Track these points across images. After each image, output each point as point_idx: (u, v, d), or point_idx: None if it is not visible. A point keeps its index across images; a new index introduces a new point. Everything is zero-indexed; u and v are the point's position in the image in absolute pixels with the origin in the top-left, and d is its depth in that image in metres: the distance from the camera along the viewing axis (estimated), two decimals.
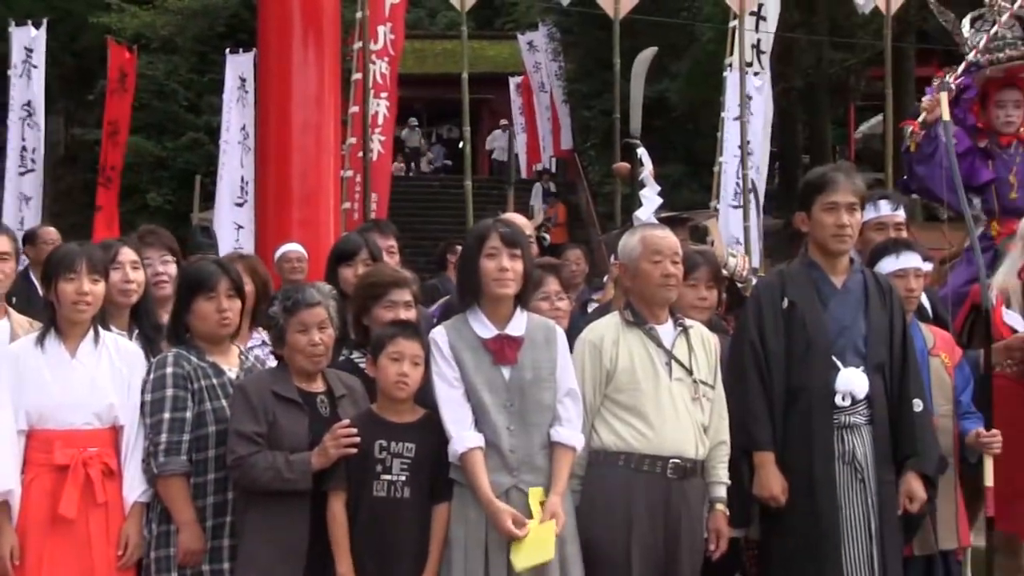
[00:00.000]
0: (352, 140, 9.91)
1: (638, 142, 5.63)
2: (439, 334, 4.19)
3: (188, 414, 4.16)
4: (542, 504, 4.05)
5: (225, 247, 10.63)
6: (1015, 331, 5.06)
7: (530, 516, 4.01)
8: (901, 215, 5.59)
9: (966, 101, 6.14)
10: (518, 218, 5.40)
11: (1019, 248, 5.25)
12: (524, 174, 26.33)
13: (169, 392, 4.16)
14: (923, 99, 6.22)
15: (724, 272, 5.58)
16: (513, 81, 27.04)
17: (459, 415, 4.07)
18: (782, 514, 4.47)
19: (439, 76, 28.44)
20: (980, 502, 4.87)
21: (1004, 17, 6.20)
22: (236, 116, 13.56)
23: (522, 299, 4.24)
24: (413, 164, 29.94)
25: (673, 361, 4.35)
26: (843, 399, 4.48)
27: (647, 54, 5.97)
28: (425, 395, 4.17)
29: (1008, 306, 5.13)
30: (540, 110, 25.93)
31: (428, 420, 4.14)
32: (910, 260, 5.00)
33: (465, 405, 4.09)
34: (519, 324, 4.20)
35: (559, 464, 4.13)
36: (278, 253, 7.72)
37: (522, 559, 3.95)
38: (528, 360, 4.16)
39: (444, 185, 26.17)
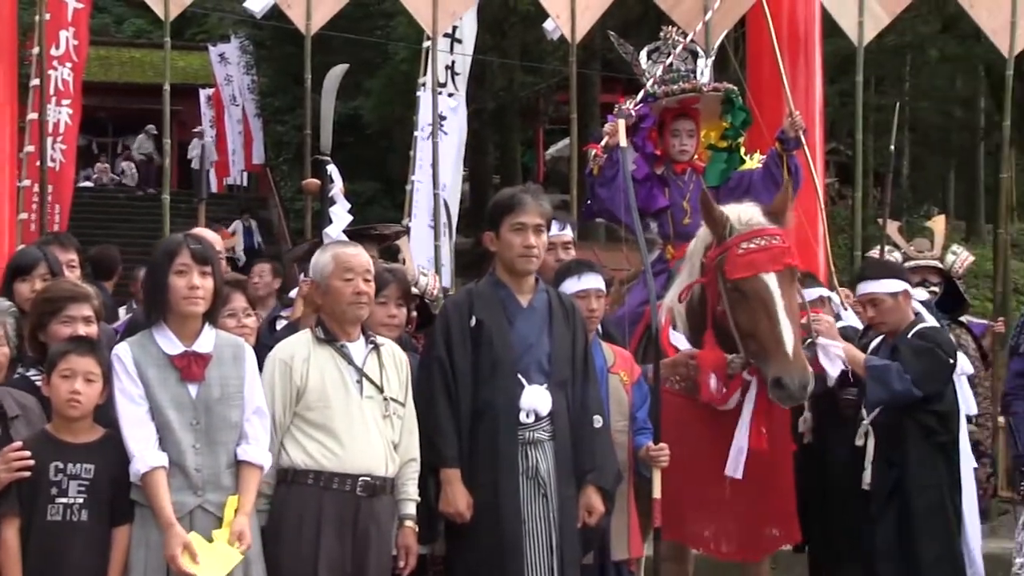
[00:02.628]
0: (30, 148, 9.45)
1: (328, 158, 5.61)
2: (123, 350, 4.05)
3: None
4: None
5: None
6: (678, 349, 5.29)
7: (219, 528, 3.95)
8: (569, 234, 5.78)
9: (644, 129, 6.39)
10: (209, 233, 5.29)
11: (685, 271, 5.49)
12: (215, 188, 25.79)
13: None
14: (606, 125, 6.43)
15: (414, 290, 5.62)
16: (204, 93, 26.48)
17: (142, 433, 3.95)
18: (467, 529, 4.52)
19: (126, 85, 27.54)
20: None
21: (678, 50, 6.50)
22: None
23: (211, 316, 4.16)
24: (123, 171, 28.79)
25: (364, 379, 4.36)
26: (527, 416, 4.57)
27: (338, 70, 5.95)
28: (108, 413, 4.03)
29: (675, 327, 5.37)
30: (231, 123, 25.50)
31: (109, 439, 4.00)
32: (592, 281, 5.17)
33: (149, 423, 3.97)
34: (207, 341, 4.12)
35: (246, 483, 4.07)
36: None
37: (203, 570, 3.87)
38: (216, 377, 4.08)
39: (131, 197, 25.35)
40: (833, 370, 5.41)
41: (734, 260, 5.04)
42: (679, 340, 5.32)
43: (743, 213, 5.19)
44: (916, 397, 5.32)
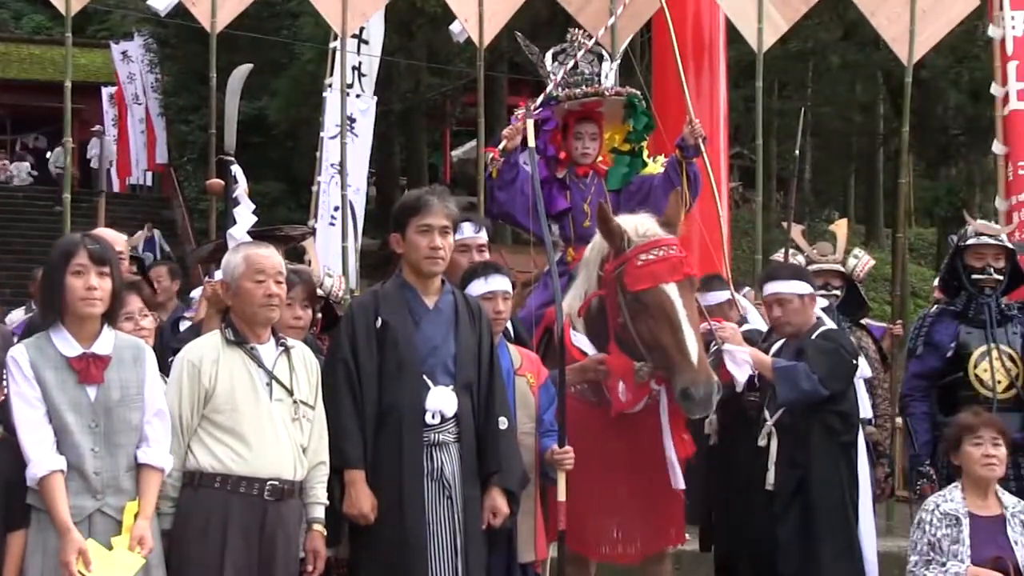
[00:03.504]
0: None
1: (233, 159, 5.54)
2: (19, 352, 3.97)
3: None
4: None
5: None
6: (585, 353, 5.31)
7: (119, 534, 3.89)
8: (483, 237, 5.78)
9: (546, 132, 6.41)
10: (108, 233, 5.20)
11: (581, 278, 5.51)
12: (117, 188, 25.39)
13: None
14: (505, 129, 6.45)
15: (320, 292, 5.58)
16: (106, 91, 26.05)
17: (39, 437, 3.87)
18: (371, 531, 4.51)
19: (25, 82, 26.99)
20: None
21: (582, 52, 6.53)
22: None
23: (110, 317, 4.09)
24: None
25: (274, 382, 4.31)
26: (433, 417, 4.57)
27: (243, 70, 5.88)
28: (4, 417, 3.94)
29: (575, 329, 5.39)
30: (134, 122, 25.13)
31: (4, 443, 3.91)
32: (498, 283, 5.16)
33: (46, 426, 3.89)
34: (106, 342, 4.04)
35: (146, 487, 4.01)
36: None
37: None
38: (115, 379, 4.01)
39: (29, 197, 24.86)
40: (741, 376, 5.46)
41: (634, 272, 5.07)
42: (583, 342, 5.34)
43: (639, 224, 5.22)
44: (823, 396, 5.40)
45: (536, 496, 5.07)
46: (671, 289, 5.05)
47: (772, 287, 5.74)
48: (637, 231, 5.18)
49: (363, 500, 4.48)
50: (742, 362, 5.46)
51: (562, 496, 4.95)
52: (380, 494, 4.50)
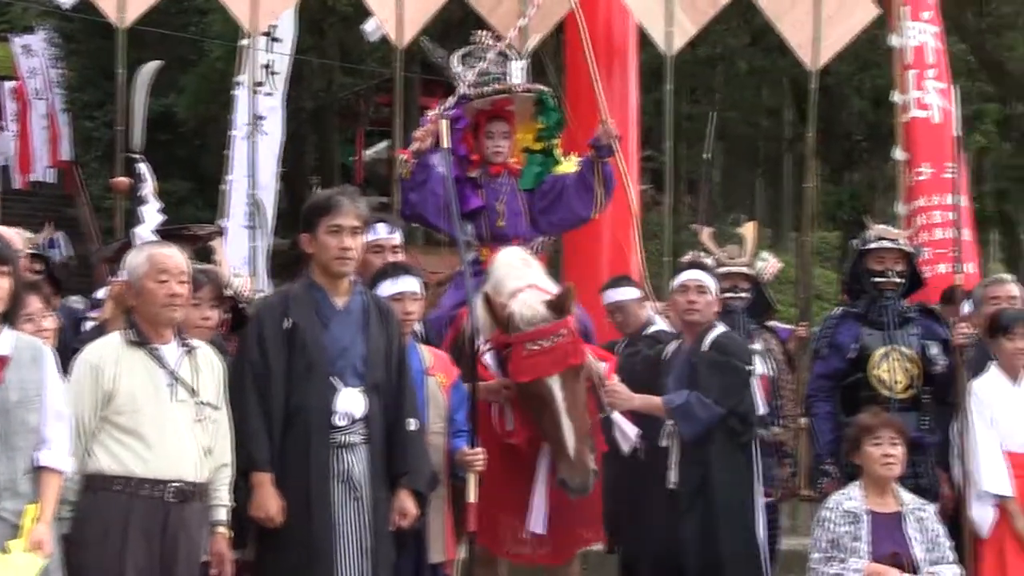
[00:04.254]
0: None
1: (139, 156, 5.49)
2: None
3: None
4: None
5: None
6: (489, 369, 5.31)
7: (17, 538, 3.82)
8: (397, 238, 5.78)
9: (458, 131, 6.41)
10: (6, 231, 5.10)
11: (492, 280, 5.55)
12: (19, 184, 24.90)
13: None
14: (416, 130, 6.45)
15: (228, 292, 5.54)
16: (7, 86, 25.53)
17: None
18: (278, 534, 4.49)
19: None
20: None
21: (490, 54, 6.55)
22: None
23: (9, 317, 4.02)
24: None
25: (177, 382, 4.28)
26: (341, 419, 4.57)
27: (151, 67, 5.83)
28: None
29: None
30: (36, 118, 24.63)
31: None
32: (407, 284, 5.16)
33: None
34: (5, 343, 3.98)
35: (45, 490, 3.95)
36: None
37: None
38: (14, 380, 3.94)
39: None
40: (625, 446, 5.54)
41: (518, 362, 5.10)
42: (486, 356, 5.35)
43: (526, 309, 5.17)
44: (722, 415, 5.50)
45: (447, 496, 5.09)
46: (554, 382, 5.08)
47: (611, 295, 6.42)
48: (523, 317, 5.14)
49: (270, 502, 4.46)
50: (627, 432, 5.52)
51: (472, 497, 4.97)
52: (287, 496, 4.48)
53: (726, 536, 5.52)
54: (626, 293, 6.60)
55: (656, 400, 5.59)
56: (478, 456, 4.95)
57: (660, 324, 6.56)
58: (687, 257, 7.23)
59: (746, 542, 5.59)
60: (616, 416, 5.50)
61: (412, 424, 4.73)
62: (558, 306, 5.19)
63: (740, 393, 5.65)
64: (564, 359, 5.10)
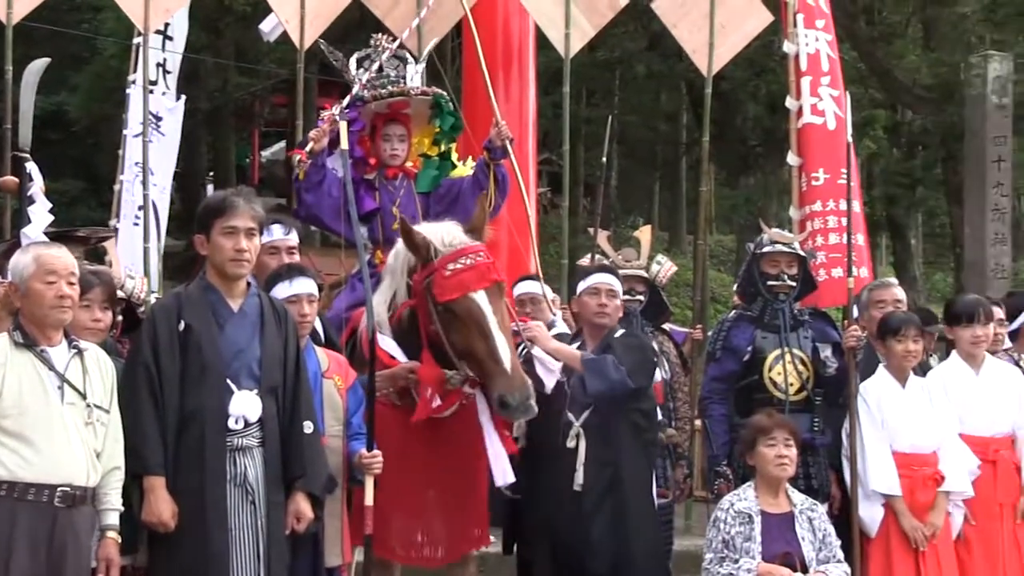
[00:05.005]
0: None
1: (27, 155, 5.37)
2: None
3: None
4: None
5: None
6: (392, 356, 5.31)
7: None
8: (293, 239, 5.74)
9: (354, 133, 6.37)
10: None
11: (387, 281, 5.52)
12: None
13: None
14: (311, 131, 6.40)
15: (121, 294, 5.45)
16: None
17: None
18: (171, 539, 4.42)
19: None
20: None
21: (386, 56, 6.53)
22: None
23: None
24: None
25: (66, 385, 4.20)
26: (236, 422, 4.52)
27: (39, 64, 5.70)
28: None
29: (382, 332, 5.39)
30: None
31: None
32: (303, 286, 5.13)
33: None
34: None
35: None
36: None
37: None
38: None
39: None
40: (548, 381, 5.54)
41: (442, 282, 5.09)
42: (390, 346, 5.34)
43: (445, 234, 5.24)
44: (630, 388, 5.53)
45: (343, 499, 5.07)
46: (480, 297, 5.08)
47: (525, 286, 6.49)
48: (443, 240, 5.20)
49: (162, 507, 4.39)
50: (549, 369, 5.55)
51: (370, 500, 4.95)
52: (181, 501, 4.42)
53: (637, 536, 5.56)
54: (526, 286, 6.67)
55: (572, 350, 5.65)
56: (376, 459, 4.94)
57: (561, 326, 6.59)
58: (584, 260, 7.29)
59: (656, 541, 5.66)
60: (537, 351, 5.53)
61: (308, 427, 4.70)
62: (474, 230, 5.29)
63: (648, 377, 5.72)
64: (488, 274, 5.14)
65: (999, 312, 6.90)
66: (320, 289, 5.31)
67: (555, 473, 5.66)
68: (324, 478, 4.78)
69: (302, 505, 4.64)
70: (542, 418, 5.62)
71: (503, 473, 5.23)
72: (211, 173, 22.68)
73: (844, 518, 5.98)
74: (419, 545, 5.34)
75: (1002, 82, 10.57)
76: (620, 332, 5.79)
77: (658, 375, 6.41)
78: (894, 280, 7.14)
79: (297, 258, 5.65)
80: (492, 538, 5.72)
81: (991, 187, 10.44)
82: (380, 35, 6.73)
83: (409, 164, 6.58)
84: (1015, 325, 6.99)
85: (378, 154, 6.49)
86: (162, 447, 4.43)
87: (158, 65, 10.51)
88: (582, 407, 5.60)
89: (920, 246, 24.29)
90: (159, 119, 10.21)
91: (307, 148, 6.29)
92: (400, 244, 5.41)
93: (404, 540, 5.31)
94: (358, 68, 6.50)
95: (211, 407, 4.49)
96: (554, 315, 6.79)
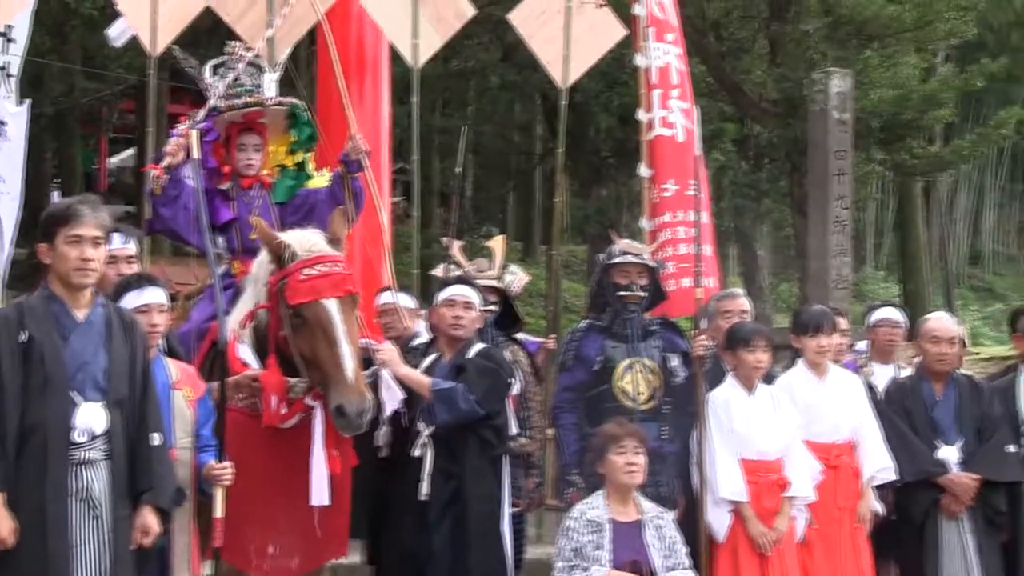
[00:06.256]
0: None
1: None
2: None
3: None
4: None
5: None
6: (248, 366, 5.27)
7: None
8: (132, 248, 5.67)
9: (208, 144, 6.31)
10: None
11: (249, 292, 5.48)
12: None
13: None
14: (168, 144, 6.30)
15: None
16: None
17: None
18: (10, 557, 4.30)
19: None
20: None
21: (242, 65, 6.47)
22: None
23: None
24: None
25: None
26: (81, 435, 4.42)
27: None
28: None
29: (242, 342, 5.35)
30: None
31: None
32: (153, 296, 5.07)
33: None
34: None
35: None
36: None
37: None
38: None
39: None
40: (389, 406, 5.56)
41: (295, 286, 5.08)
42: (248, 355, 5.29)
43: (305, 239, 5.24)
44: (479, 416, 5.58)
45: (193, 512, 5.00)
46: (331, 304, 5.08)
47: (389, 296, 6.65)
48: (303, 246, 5.19)
49: (2, 524, 4.27)
50: (395, 393, 5.56)
51: (219, 512, 4.89)
52: (22, 516, 4.30)
53: (476, 550, 5.59)
54: (404, 300, 6.67)
55: (423, 377, 5.68)
56: (226, 470, 4.88)
57: (425, 337, 6.60)
58: (438, 270, 7.30)
59: (496, 557, 5.68)
60: (385, 373, 5.54)
61: (156, 439, 4.63)
62: (335, 240, 5.30)
63: (502, 401, 5.77)
64: (343, 284, 5.14)
65: (843, 322, 7.14)
66: (173, 299, 5.24)
67: (405, 482, 5.68)
68: (172, 491, 4.71)
69: (149, 519, 4.57)
70: (403, 428, 5.65)
71: (320, 493, 5.19)
72: (57, 180, 22.09)
73: (691, 525, 6.09)
74: (272, 556, 5.29)
75: (843, 98, 10.86)
76: (477, 348, 5.82)
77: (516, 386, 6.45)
78: (740, 291, 7.32)
79: (136, 268, 5.59)
80: (349, 549, 5.69)
81: (833, 200, 10.70)
82: (235, 43, 6.66)
83: (265, 174, 6.53)
84: None
85: (232, 164, 6.43)
86: (2, 462, 4.31)
87: (0, 68, 10.22)
88: (431, 417, 5.63)
89: (767, 257, 24.86)
90: (3, 124, 9.93)
91: (163, 163, 6.20)
92: (264, 251, 5.38)
93: (257, 551, 5.26)
94: (213, 75, 6.42)
95: (54, 420, 4.38)
96: (416, 326, 6.80)
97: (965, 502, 6.41)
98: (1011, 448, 6.52)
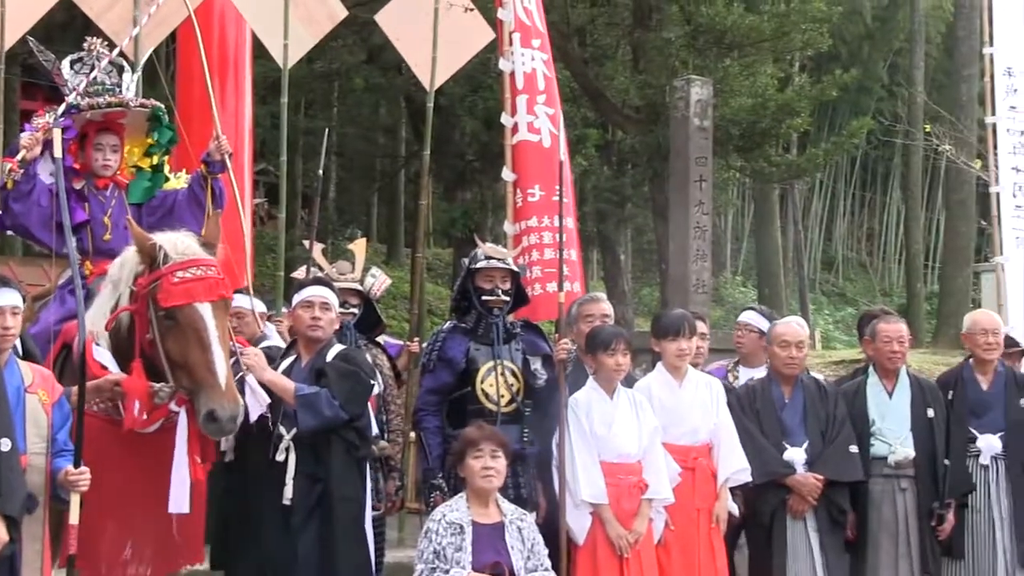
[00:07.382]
0: None
1: None
2: None
3: None
4: None
5: None
6: (107, 369, 5.18)
7: None
8: None
9: (65, 142, 6.16)
10: None
11: (107, 291, 5.39)
12: None
13: None
14: (23, 137, 6.14)
15: None
16: None
17: None
18: None
19: None
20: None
21: (103, 63, 6.33)
22: None
23: None
24: None
25: None
26: None
27: None
28: None
29: (98, 344, 5.25)
30: None
31: None
32: (7, 298, 4.91)
33: None
34: None
35: None
36: None
37: None
38: None
39: None
40: (254, 411, 5.51)
41: (169, 288, 5.02)
42: (105, 358, 5.19)
43: (178, 242, 5.18)
44: (343, 420, 5.56)
45: (45, 519, 4.88)
46: (205, 308, 5.04)
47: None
48: (176, 248, 5.14)
49: None
50: (260, 398, 5.51)
51: (74, 519, 4.79)
52: None
53: (343, 552, 5.58)
54: (247, 302, 6.58)
55: (287, 382, 5.63)
56: (83, 476, 4.78)
57: (275, 339, 6.54)
58: (299, 273, 7.26)
59: (362, 558, 5.67)
60: (251, 379, 5.49)
61: (5, 444, 4.53)
62: (209, 244, 5.27)
63: (364, 403, 5.76)
64: (216, 288, 5.11)
65: (703, 326, 7.26)
66: (23, 300, 5.11)
67: (264, 487, 5.63)
68: (22, 498, 4.60)
69: None
70: (252, 431, 5.59)
71: (180, 500, 5.14)
72: None
73: (551, 527, 6.14)
74: (126, 563, 5.21)
75: (703, 105, 11.07)
76: (336, 350, 5.80)
77: (377, 387, 6.45)
78: (602, 295, 7.40)
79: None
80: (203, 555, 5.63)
81: (693, 205, 10.90)
82: (94, 39, 6.51)
83: (120, 174, 6.41)
84: None
85: (87, 163, 6.30)
86: None
87: None
88: (293, 421, 5.59)
89: (629, 261, 25.17)
90: None
91: (19, 156, 6.04)
92: (128, 252, 5.30)
93: (111, 558, 5.17)
94: (71, 71, 6.27)
95: None
96: (264, 329, 6.75)
97: (810, 502, 6.59)
98: (854, 449, 6.71)
